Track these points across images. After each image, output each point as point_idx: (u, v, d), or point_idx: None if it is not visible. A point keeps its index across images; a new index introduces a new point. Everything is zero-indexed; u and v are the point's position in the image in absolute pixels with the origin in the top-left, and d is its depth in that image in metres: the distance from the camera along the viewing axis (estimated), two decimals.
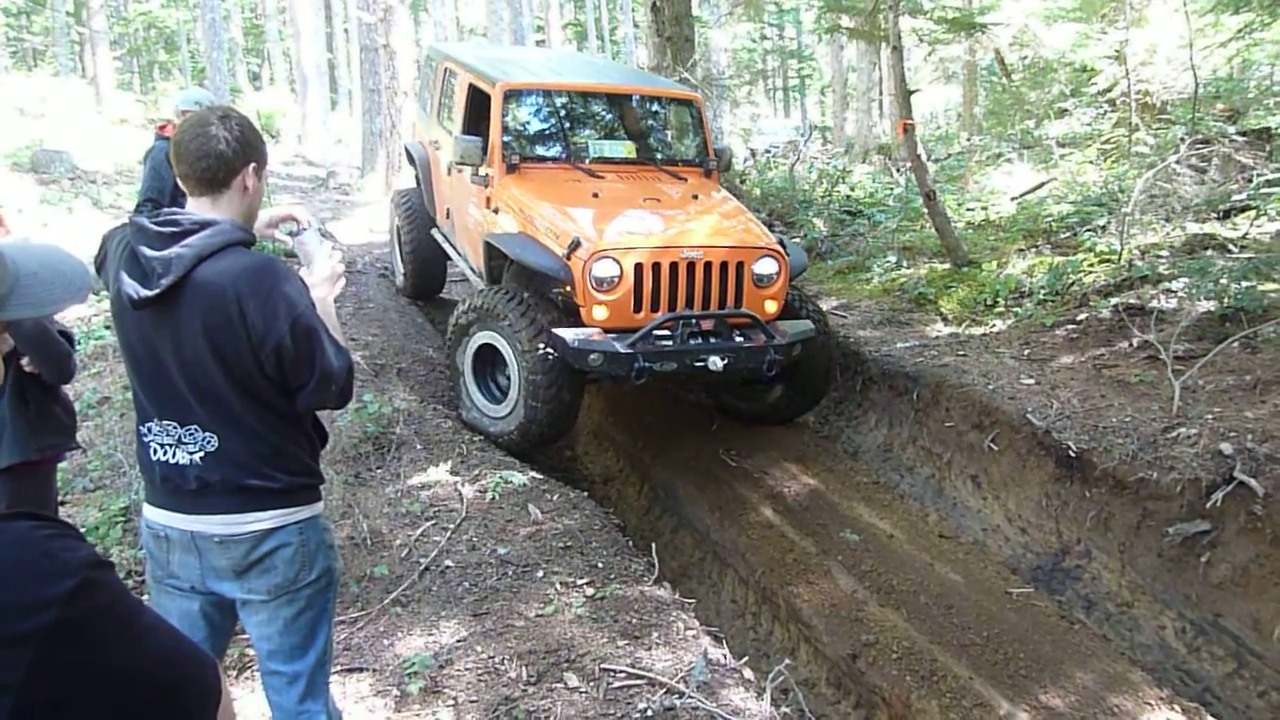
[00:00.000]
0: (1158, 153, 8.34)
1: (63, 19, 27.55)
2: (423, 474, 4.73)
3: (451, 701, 3.14)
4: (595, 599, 3.71)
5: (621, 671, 3.21)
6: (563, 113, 6.31)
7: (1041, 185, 9.45)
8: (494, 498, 4.49)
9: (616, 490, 6.03)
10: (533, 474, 4.84)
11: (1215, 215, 7.35)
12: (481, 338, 5.31)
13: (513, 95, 5.94)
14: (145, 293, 2.05)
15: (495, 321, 5.16)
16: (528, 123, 6.18)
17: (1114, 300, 6.08)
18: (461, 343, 5.44)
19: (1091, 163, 9.76)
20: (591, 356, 4.73)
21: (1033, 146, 11.45)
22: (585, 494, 4.97)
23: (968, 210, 9.52)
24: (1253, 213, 7.03)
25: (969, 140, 14.29)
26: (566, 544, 4.15)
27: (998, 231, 8.57)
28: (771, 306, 5.28)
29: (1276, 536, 4.01)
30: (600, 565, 4.02)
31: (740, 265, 5.09)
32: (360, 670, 3.37)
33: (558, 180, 5.66)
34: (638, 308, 4.91)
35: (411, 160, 7.89)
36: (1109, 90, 11.36)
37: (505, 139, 5.78)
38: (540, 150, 6.03)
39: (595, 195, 5.46)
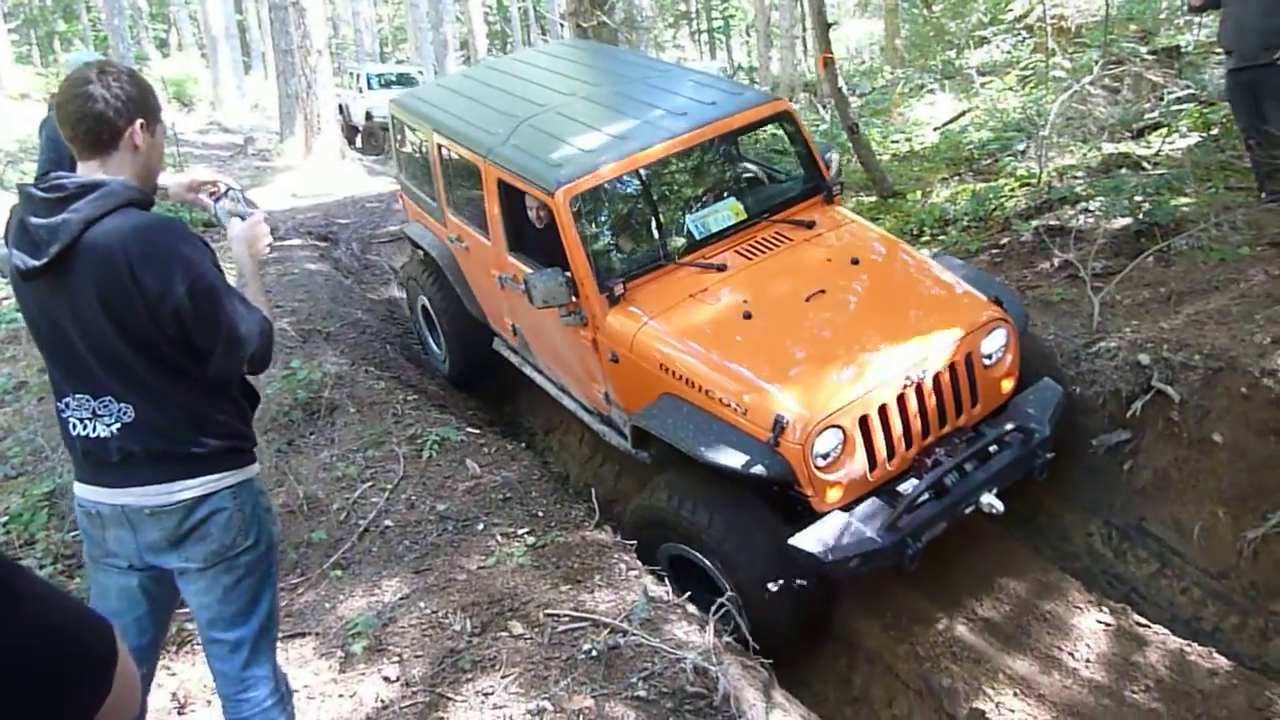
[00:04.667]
0: (1073, 76, 8.47)
1: None
2: (357, 437, 4.67)
3: (396, 658, 3.14)
4: (537, 547, 3.72)
5: (565, 615, 3.23)
6: (646, 193, 4.84)
7: (963, 114, 9.56)
8: (431, 455, 4.46)
9: (558, 440, 6.03)
10: (469, 429, 4.81)
11: (1129, 134, 7.50)
12: (671, 550, 3.83)
13: (583, 200, 4.33)
14: (33, 263, 1.97)
15: (689, 539, 3.71)
16: (607, 226, 4.72)
17: (1034, 222, 6.19)
18: (653, 555, 3.86)
19: (1011, 89, 9.88)
20: (852, 563, 3.47)
21: (954, 76, 11.55)
22: (524, 445, 4.96)
23: (892, 142, 9.60)
24: (1164, 130, 7.19)
25: (892, 73, 14.35)
26: (506, 496, 4.15)
27: (922, 162, 8.66)
28: (1008, 385, 4.07)
29: (1193, 440, 4.16)
30: (541, 514, 4.03)
31: (969, 356, 3.88)
32: (303, 635, 3.34)
33: (678, 295, 4.16)
34: (872, 465, 3.68)
35: (414, 244, 6.27)
36: (1025, 16, 11.49)
37: (593, 263, 4.22)
38: (636, 257, 4.51)
39: (746, 316, 3.97)
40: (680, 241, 4.50)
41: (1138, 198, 5.84)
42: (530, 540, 3.78)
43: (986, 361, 3.94)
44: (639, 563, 3.65)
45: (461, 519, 3.96)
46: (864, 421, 3.60)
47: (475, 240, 5.22)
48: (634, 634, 3.07)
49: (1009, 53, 11.53)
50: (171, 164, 9.45)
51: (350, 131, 19.35)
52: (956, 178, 7.71)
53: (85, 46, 30.61)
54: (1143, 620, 3.74)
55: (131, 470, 2.11)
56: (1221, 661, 3.49)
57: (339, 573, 3.69)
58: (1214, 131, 6.96)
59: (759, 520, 3.65)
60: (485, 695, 2.92)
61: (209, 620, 2.24)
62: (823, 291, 4.07)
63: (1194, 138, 7.04)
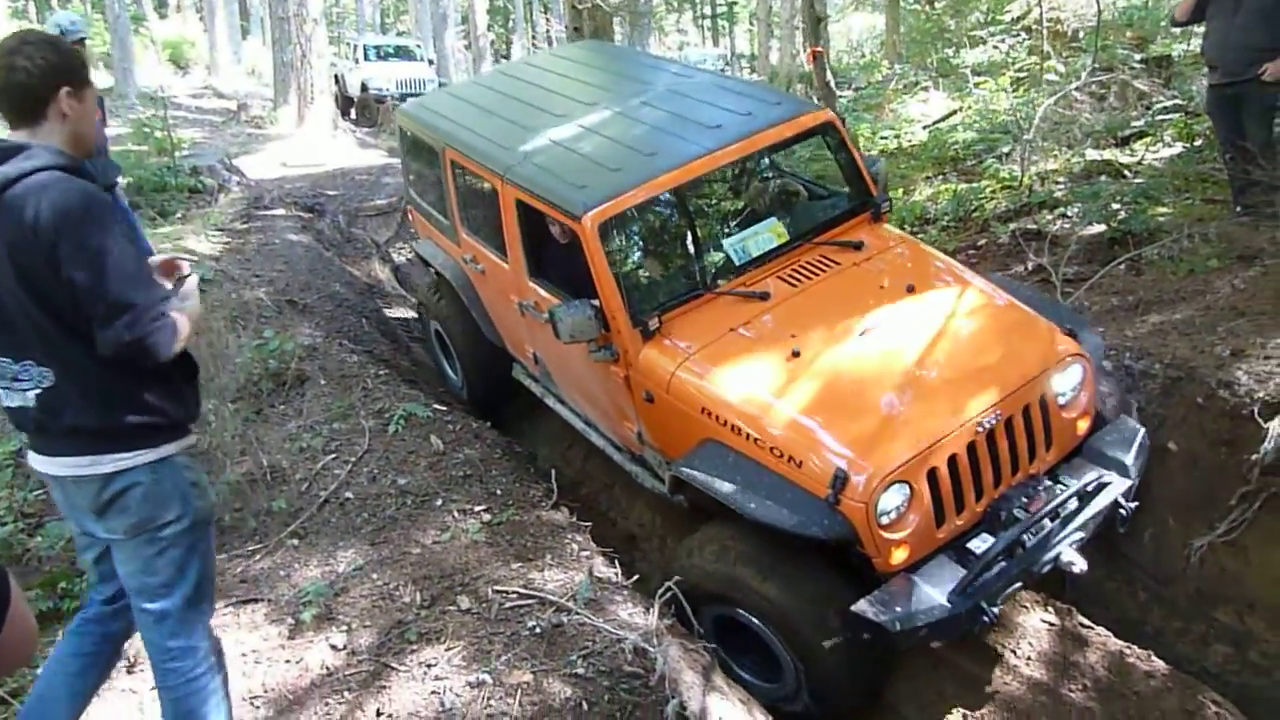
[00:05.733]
0: (1065, 80, 8.49)
1: None
2: (325, 409, 4.70)
3: (345, 627, 3.18)
4: (492, 525, 3.77)
5: (513, 592, 3.28)
6: (680, 215, 4.55)
7: (954, 113, 9.57)
8: (396, 430, 4.49)
9: (529, 423, 6.06)
10: (437, 406, 4.84)
11: (1114, 141, 7.53)
12: (719, 612, 3.50)
13: (612, 226, 3.95)
14: None
15: (740, 602, 3.35)
16: (639, 253, 4.37)
17: (1012, 225, 6.24)
18: (699, 617, 3.53)
19: (1004, 91, 9.88)
20: (921, 633, 3.10)
21: (949, 75, 11.54)
22: (490, 424, 4.99)
23: (881, 138, 9.61)
24: (1149, 139, 7.23)
25: (890, 68, 14.35)
26: (467, 473, 4.19)
27: (909, 159, 8.69)
28: (1083, 426, 3.67)
29: (1152, 449, 4.22)
30: (499, 492, 4.08)
31: (1043, 397, 3.49)
32: (255, 601, 3.39)
33: (718, 329, 3.80)
34: (940, 521, 3.29)
35: (425, 262, 5.98)
36: (1023, 18, 11.48)
37: (625, 295, 3.84)
38: (671, 286, 4.14)
39: (795, 354, 3.58)
40: (717, 267, 4.15)
41: (1115, 205, 5.89)
42: (486, 517, 3.82)
43: (1061, 400, 3.56)
44: (591, 544, 3.70)
45: (421, 494, 4.00)
46: (933, 474, 3.22)
47: (492, 263, 4.81)
48: (578, 613, 3.12)
49: (1005, 54, 11.53)
50: (161, 128, 9.41)
51: (345, 103, 19.27)
52: (940, 177, 7.74)
53: (84, 5, 30.33)
54: (1086, 622, 3.80)
55: (49, 440, 2.16)
56: (1159, 665, 3.55)
57: (296, 542, 3.73)
58: (1198, 143, 6.99)
59: (820, 581, 3.28)
60: (428, 666, 2.96)
61: (135, 590, 2.27)
62: (878, 325, 3.68)
63: (1177, 148, 7.08)
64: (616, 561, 3.66)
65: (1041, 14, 10.25)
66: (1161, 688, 3.46)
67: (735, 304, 3.90)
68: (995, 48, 11.97)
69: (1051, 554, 3.31)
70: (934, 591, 3.16)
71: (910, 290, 3.84)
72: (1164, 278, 5.22)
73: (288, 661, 3.05)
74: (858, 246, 4.13)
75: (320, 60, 14.84)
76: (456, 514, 3.84)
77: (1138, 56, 9.28)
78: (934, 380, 3.45)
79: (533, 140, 4.49)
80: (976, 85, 10.19)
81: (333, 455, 4.30)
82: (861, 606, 3.11)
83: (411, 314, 7.36)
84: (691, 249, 4.48)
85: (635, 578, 3.55)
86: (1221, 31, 5.40)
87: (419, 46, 21.12)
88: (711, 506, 3.56)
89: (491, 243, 4.77)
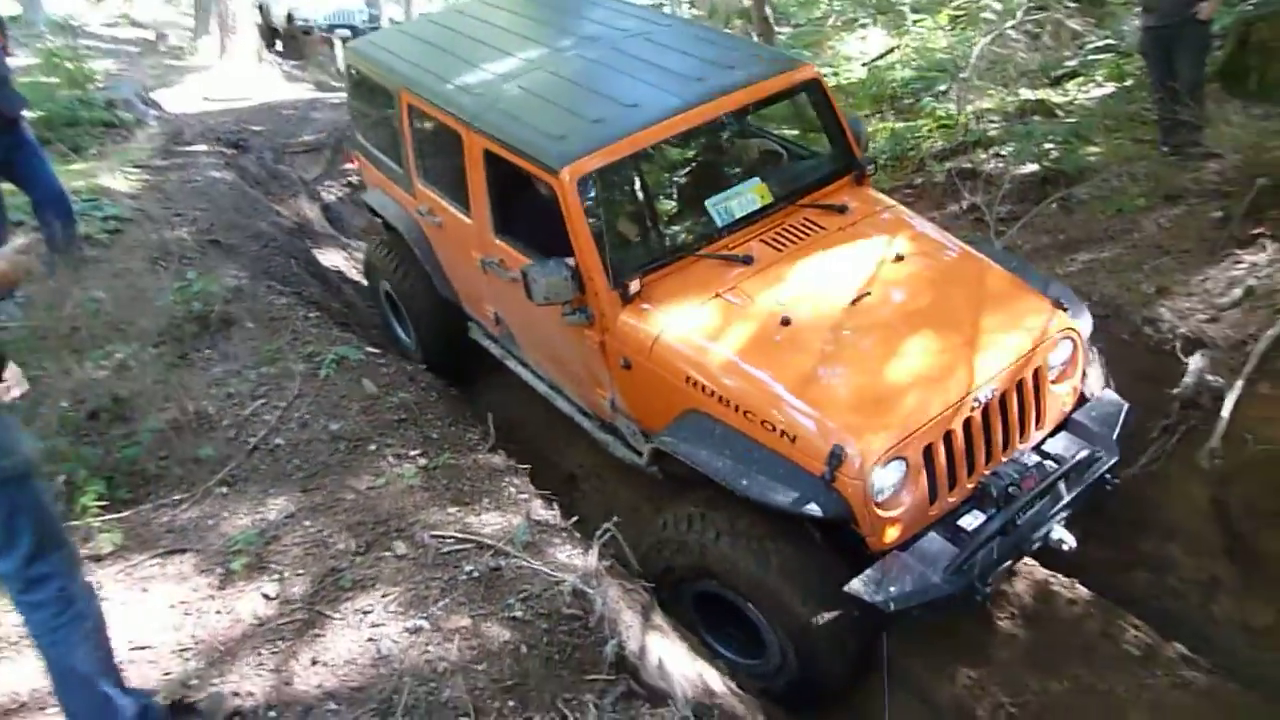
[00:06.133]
0: (1002, 19, 8.50)
1: None
2: (253, 352, 4.56)
3: (277, 576, 3.13)
4: (428, 469, 3.72)
5: (450, 537, 3.25)
6: (661, 173, 4.32)
7: (892, 51, 9.52)
8: (328, 374, 4.38)
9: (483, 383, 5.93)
10: (370, 349, 4.73)
11: (1048, 81, 7.58)
12: (700, 587, 3.43)
13: (593, 181, 3.66)
14: None
15: (724, 574, 3.27)
16: (619, 211, 4.13)
17: (948, 164, 6.28)
18: (676, 594, 3.51)
19: (941, 29, 9.86)
20: (915, 611, 3.04)
21: (887, 12, 11.46)
22: (425, 367, 4.90)
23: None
24: (1081, 79, 7.29)
25: (829, 4, 14.20)
26: (401, 417, 4.11)
27: (847, 97, 8.63)
28: (1070, 400, 3.65)
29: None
30: (435, 436, 4.02)
31: (1035, 371, 3.44)
32: (183, 551, 3.30)
33: (702, 293, 3.63)
34: (933, 498, 3.23)
35: (374, 212, 5.64)
36: None
37: (604, 255, 3.62)
38: (652, 247, 3.97)
39: (785, 322, 3.45)
40: (699, 228, 3.93)
41: (1047, 145, 5.95)
42: (422, 462, 3.77)
43: (1050, 375, 3.52)
44: (529, 487, 3.68)
45: (354, 439, 3.91)
46: (928, 450, 3.15)
47: (452, 217, 4.51)
48: (516, 556, 3.11)
49: None
50: (72, 59, 8.90)
51: (270, 34, 18.46)
52: (878, 115, 7.73)
53: None
54: None
55: None
56: (1082, 591, 3.68)
57: (225, 490, 3.64)
58: (1128, 83, 7.07)
59: (809, 558, 3.20)
60: (364, 614, 2.93)
61: None
62: (868, 293, 3.56)
63: (1109, 88, 7.16)
64: (555, 503, 3.65)
65: None
66: (1084, 613, 3.60)
67: (718, 267, 3.73)
68: None
69: (1042, 531, 3.29)
70: (928, 570, 3.11)
71: (899, 259, 3.73)
72: (1093, 217, 5.32)
73: (218, 612, 2.99)
74: (842, 210, 3.99)
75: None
76: (391, 459, 3.77)
77: None
78: (927, 353, 3.35)
79: (501, 86, 4.21)
80: (914, 23, 10.15)
81: (262, 400, 4.18)
82: (855, 586, 3.03)
83: (342, 255, 7.17)
84: (673, 208, 4.26)
85: (574, 519, 3.55)
86: None
87: None
88: (690, 478, 3.45)
89: (452, 195, 4.48)
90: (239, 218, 6.42)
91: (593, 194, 3.63)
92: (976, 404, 3.23)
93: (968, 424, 3.23)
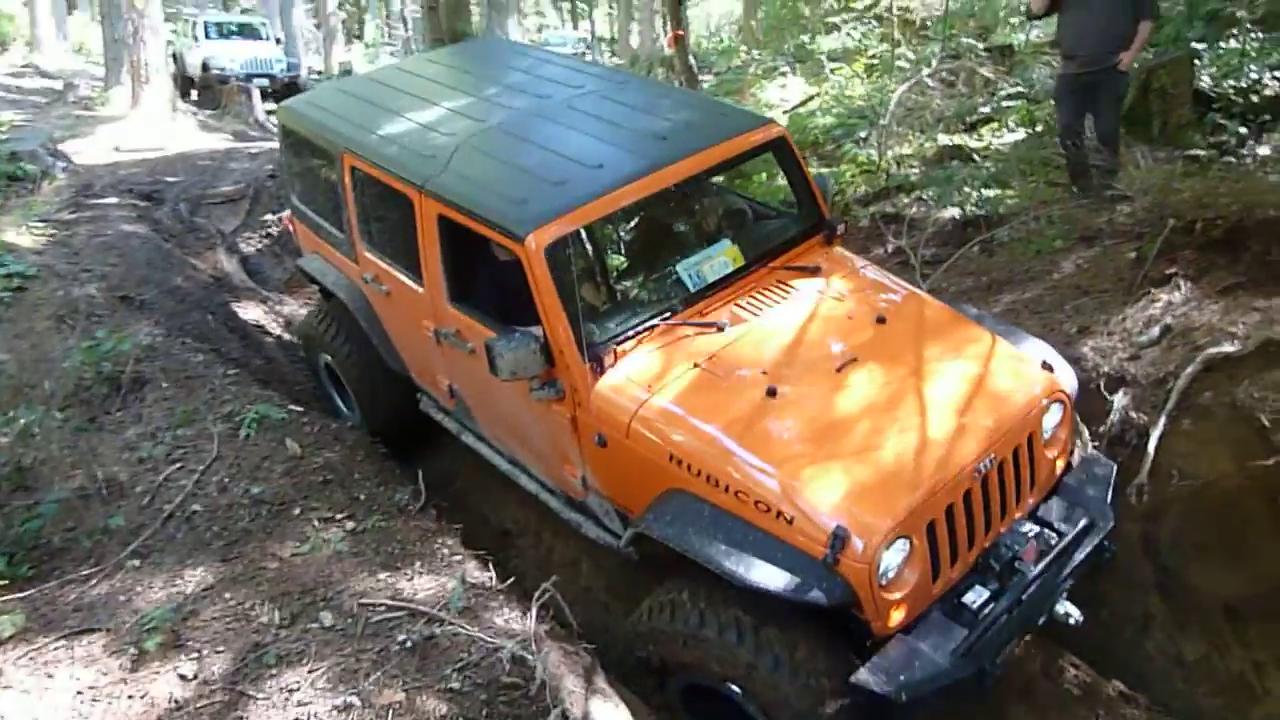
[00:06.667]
0: (916, 67, 8.78)
1: None
2: (168, 414, 4.35)
3: (195, 654, 2.94)
4: (356, 533, 3.57)
5: (381, 605, 3.10)
6: (629, 238, 4.15)
7: (812, 98, 9.75)
8: (249, 435, 4.19)
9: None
10: (292, 407, 4.55)
11: (963, 127, 7.83)
12: (689, 678, 3.16)
13: (561, 248, 3.43)
14: None
15: (717, 666, 2.99)
16: (587, 278, 3.93)
17: (872, 208, 6.39)
18: (664, 686, 3.27)
19: (859, 77, 10.15)
20: (921, 709, 2.83)
21: (806, 61, 11.77)
22: (351, 425, 4.74)
23: None
24: (995, 124, 7.54)
25: (748, 54, 14.54)
26: (327, 478, 3.95)
27: None
28: (1061, 464, 3.51)
29: None
30: (362, 498, 3.87)
31: (1030, 437, 3.30)
32: (92, 631, 3.09)
33: (678, 364, 3.41)
34: (936, 574, 3.02)
35: (311, 279, 5.25)
36: (874, 6, 11.84)
37: (576, 325, 3.37)
38: (624, 314, 3.65)
39: (771, 393, 3.24)
40: (671, 294, 3.70)
41: (967, 189, 6.10)
42: (350, 525, 3.62)
43: (1044, 437, 3.39)
44: (461, 548, 3.55)
45: (277, 503, 3.74)
46: (931, 526, 2.96)
47: (401, 285, 4.23)
48: (451, 623, 2.98)
49: (858, 41, 11.85)
50: None
51: (185, 83, 18.13)
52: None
53: None
54: None
55: None
56: None
57: (137, 562, 3.43)
58: (1038, 129, 7.34)
59: (809, 646, 2.92)
60: (290, 692, 2.77)
61: None
62: (854, 359, 3.37)
63: (1020, 133, 7.41)
64: (490, 563, 3.53)
65: (892, 2, 10.58)
66: (1023, 655, 3.61)
67: (694, 335, 3.53)
68: (849, 35, 12.31)
69: (1048, 606, 3.15)
70: (935, 655, 2.88)
71: (880, 322, 3.58)
72: (1014, 259, 5.44)
73: (130, 697, 2.79)
74: (815, 271, 3.85)
75: (155, 37, 13.88)
76: (317, 523, 3.61)
77: (982, 45, 9.68)
78: (924, 423, 3.15)
79: (453, 147, 3.97)
80: (833, 71, 10.43)
81: (177, 465, 3.98)
82: (862, 677, 2.80)
83: (262, 309, 6.95)
84: (643, 273, 4.05)
85: (510, 580, 3.43)
86: (1080, 23, 5.62)
87: (264, 24, 20.03)
88: (670, 561, 3.18)
89: (401, 261, 4.21)
90: (152, 272, 6.18)
91: (560, 261, 3.41)
92: (978, 474, 3.06)
93: (968, 495, 3.06)
